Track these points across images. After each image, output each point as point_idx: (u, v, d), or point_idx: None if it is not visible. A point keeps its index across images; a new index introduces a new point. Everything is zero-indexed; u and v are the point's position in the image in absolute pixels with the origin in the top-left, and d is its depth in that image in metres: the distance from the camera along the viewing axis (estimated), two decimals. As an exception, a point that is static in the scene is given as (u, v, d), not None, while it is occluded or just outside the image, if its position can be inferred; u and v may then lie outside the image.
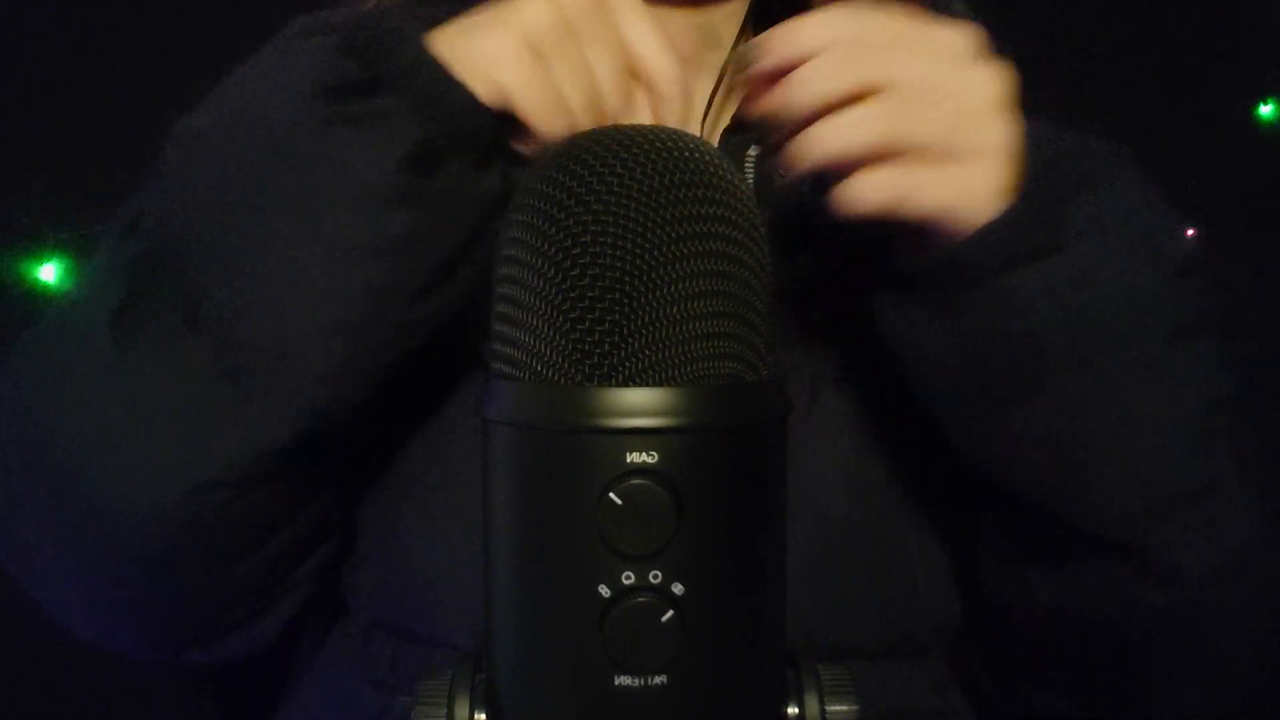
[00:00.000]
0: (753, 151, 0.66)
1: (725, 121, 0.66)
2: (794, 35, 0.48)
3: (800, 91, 0.47)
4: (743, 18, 0.69)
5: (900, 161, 0.47)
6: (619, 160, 0.33)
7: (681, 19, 0.68)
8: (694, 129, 0.67)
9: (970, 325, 0.48)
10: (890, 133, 0.46)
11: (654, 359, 0.33)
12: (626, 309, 0.32)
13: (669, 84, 0.50)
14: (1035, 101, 0.74)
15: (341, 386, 0.48)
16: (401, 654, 0.59)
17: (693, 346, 0.33)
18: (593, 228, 0.33)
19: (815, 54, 0.47)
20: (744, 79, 0.50)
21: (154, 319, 0.48)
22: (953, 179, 0.47)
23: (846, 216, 0.47)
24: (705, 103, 0.67)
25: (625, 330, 0.32)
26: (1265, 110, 1.89)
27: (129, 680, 0.60)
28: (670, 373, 0.33)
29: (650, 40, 0.50)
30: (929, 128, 0.46)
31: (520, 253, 0.34)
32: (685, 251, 0.33)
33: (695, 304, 0.33)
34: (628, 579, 0.32)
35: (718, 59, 0.68)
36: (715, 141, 0.66)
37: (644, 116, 0.50)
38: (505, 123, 0.48)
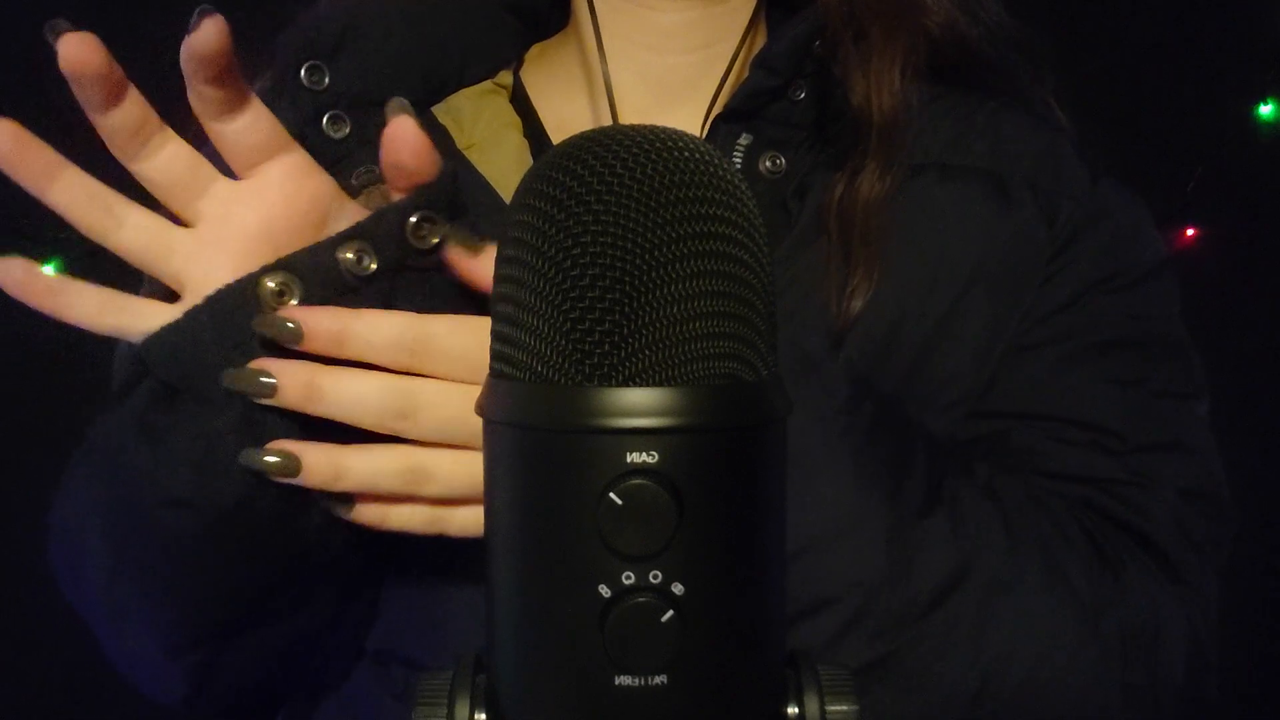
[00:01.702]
0: (743, 140, 0.66)
1: (718, 109, 0.66)
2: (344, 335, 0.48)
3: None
4: (752, 9, 0.69)
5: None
6: (619, 160, 0.33)
7: (690, 10, 0.68)
8: (695, 120, 0.67)
9: None
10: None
11: (654, 359, 0.33)
12: (626, 309, 0.32)
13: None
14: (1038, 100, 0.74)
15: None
16: (412, 679, 0.60)
17: (693, 346, 0.33)
18: (593, 228, 0.33)
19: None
20: None
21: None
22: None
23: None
24: (713, 93, 0.67)
25: (625, 330, 0.32)
26: (1265, 110, 1.89)
27: (128, 682, 0.60)
28: (670, 373, 0.33)
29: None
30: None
31: (520, 252, 0.34)
32: (686, 251, 0.33)
33: (696, 304, 0.33)
34: (628, 579, 0.32)
35: (725, 50, 0.67)
36: (707, 128, 0.66)
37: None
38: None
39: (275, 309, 0.48)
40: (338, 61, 0.62)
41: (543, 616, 0.33)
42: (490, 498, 0.35)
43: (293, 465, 0.47)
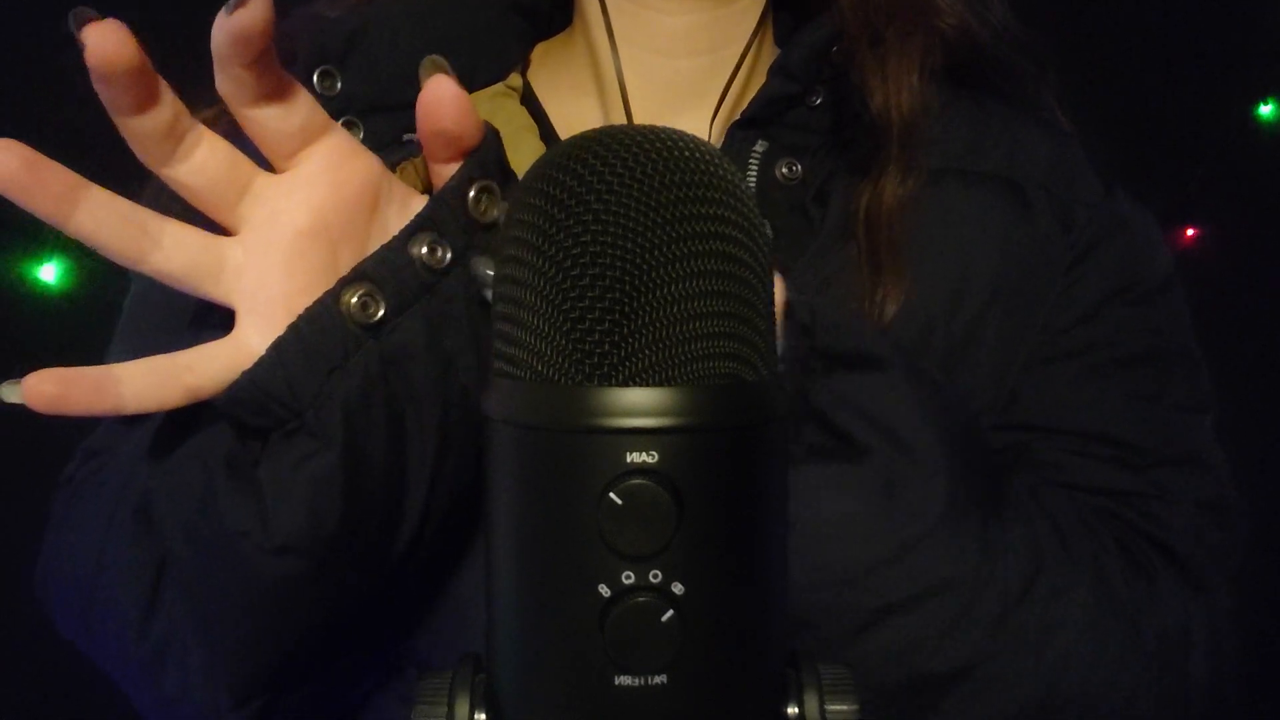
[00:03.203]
0: (759, 147, 0.65)
1: (735, 115, 0.66)
2: None
3: None
4: (759, 13, 0.68)
5: None
6: (620, 160, 0.33)
7: (698, 13, 0.67)
8: (702, 124, 0.67)
9: None
10: None
11: (654, 359, 0.33)
12: (627, 309, 0.32)
13: None
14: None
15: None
16: None
17: (693, 346, 0.33)
18: (593, 227, 0.33)
19: None
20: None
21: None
22: None
23: None
24: (719, 97, 0.66)
25: (625, 330, 0.32)
26: (1265, 110, 1.89)
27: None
28: (670, 372, 0.33)
29: None
30: None
31: (520, 252, 0.34)
32: (686, 251, 0.33)
33: (696, 304, 0.33)
34: (628, 579, 0.32)
35: (732, 54, 0.67)
36: (723, 135, 0.66)
37: None
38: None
39: (363, 323, 0.45)
40: (348, 66, 0.61)
41: (543, 616, 0.33)
42: (490, 497, 0.35)
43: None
